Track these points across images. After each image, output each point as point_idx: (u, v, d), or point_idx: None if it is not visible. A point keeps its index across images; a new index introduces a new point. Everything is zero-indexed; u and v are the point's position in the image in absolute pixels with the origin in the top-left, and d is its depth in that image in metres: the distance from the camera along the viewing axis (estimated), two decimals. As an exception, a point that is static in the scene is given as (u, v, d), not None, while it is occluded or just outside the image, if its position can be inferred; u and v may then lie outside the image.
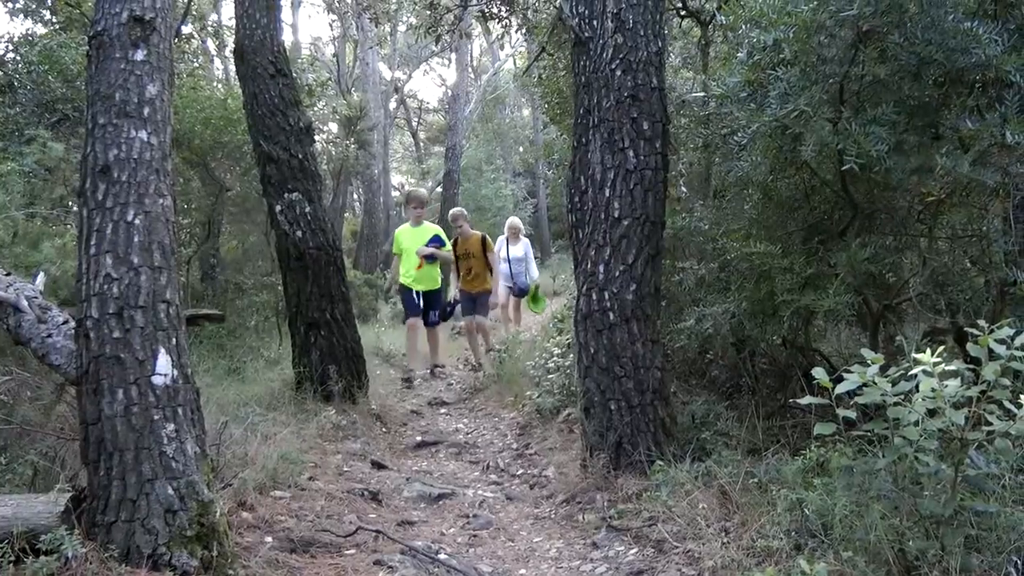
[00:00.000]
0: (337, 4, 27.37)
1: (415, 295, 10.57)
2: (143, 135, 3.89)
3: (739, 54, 4.88)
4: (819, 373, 3.31)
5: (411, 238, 10.65)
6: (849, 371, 3.26)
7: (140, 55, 3.96)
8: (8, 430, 4.64)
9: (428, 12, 12.01)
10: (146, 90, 3.94)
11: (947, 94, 4.40)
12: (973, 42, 4.00)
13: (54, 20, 12.66)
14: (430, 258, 10.55)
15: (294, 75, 8.23)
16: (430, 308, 10.77)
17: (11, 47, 10.47)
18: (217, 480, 4.37)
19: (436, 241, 10.68)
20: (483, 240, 11.27)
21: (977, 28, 3.99)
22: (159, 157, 3.94)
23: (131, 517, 3.56)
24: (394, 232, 11.47)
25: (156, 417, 3.66)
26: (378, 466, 6.21)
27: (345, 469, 5.95)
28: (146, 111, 3.92)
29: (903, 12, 4.11)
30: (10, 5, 12.10)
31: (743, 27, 5.12)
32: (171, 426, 3.69)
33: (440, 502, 5.52)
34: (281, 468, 5.16)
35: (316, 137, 11.07)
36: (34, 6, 12.41)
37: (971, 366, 3.16)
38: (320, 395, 7.30)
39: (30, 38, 10.84)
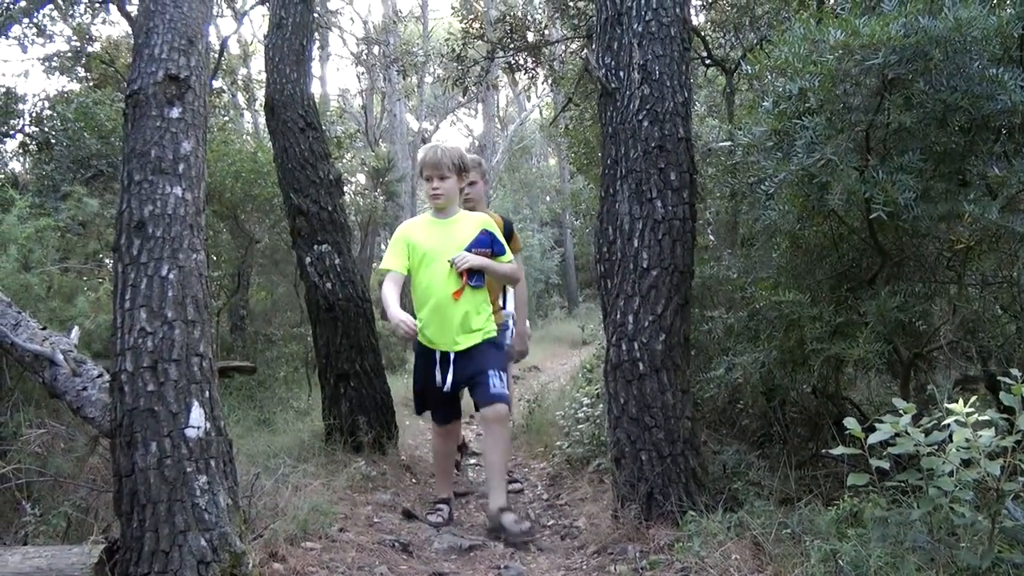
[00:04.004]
0: (365, 57, 27.77)
1: (438, 364, 5.54)
2: (178, 191, 3.95)
3: (764, 103, 4.89)
4: (851, 423, 3.30)
5: (437, 236, 5.58)
6: (881, 421, 3.24)
7: (175, 112, 4.03)
8: (42, 482, 4.68)
9: (455, 64, 12.17)
10: (181, 147, 4.01)
11: (973, 140, 4.40)
12: (999, 88, 4.01)
13: (89, 77, 12.98)
14: (477, 277, 5.49)
15: (323, 127, 8.32)
16: (475, 384, 5.49)
17: (48, 105, 10.72)
18: (249, 531, 4.38)
19: (483, 244, 5.59)
20: (507, 226, 6.45)
21: (1003, 74, 4.00)
22: (193, 212, 4.00)
23: (164, 569, 3.56)
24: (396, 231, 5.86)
25: (189, 469, 3.68)
26: (408, 517, 6.19)
27: (375, 520, 5.92)
28: (181, 168, 3.99)
29: (928, 59, 4.13)
30: (47, 63, 12.41)
31: (768, 76, 5.15)
32: (204, 478, 3.71)
33: (471, 553, 5.48)
34: (312, 519, 5.15)
35: (345, 189, 11.13)
36: (70, 64, 12.73)
37: (1005, 415, 3.14)
38: (350, 446, 7.28)
39: (66, 95, 11.10)
